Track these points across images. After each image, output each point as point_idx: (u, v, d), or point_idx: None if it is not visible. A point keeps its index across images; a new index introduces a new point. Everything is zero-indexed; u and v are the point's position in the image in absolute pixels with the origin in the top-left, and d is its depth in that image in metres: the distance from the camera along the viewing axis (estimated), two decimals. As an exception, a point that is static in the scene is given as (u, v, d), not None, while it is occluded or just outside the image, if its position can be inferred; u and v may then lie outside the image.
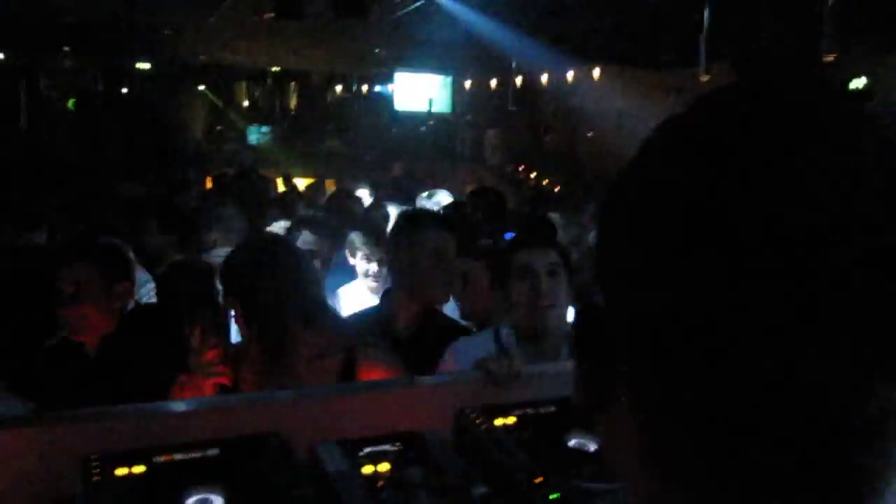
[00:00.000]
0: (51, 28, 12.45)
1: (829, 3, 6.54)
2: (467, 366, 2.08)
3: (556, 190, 14.33)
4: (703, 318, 0.43)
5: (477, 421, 1.53)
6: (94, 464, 1.28)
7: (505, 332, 2.36)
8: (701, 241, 0.43)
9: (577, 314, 0.56)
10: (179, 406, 1.59)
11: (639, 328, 0.47)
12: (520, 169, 16.40)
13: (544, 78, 15.50)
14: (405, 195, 11.63)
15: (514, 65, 14.90)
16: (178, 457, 1.33)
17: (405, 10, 9.89)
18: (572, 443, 1.49)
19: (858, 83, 12.45)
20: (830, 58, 6.83)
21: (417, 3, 9.42)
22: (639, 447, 0.49)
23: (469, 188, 12.55)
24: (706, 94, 0.54)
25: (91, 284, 2.28)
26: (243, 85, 17.59)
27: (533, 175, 15.94)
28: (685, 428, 0.45)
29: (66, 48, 14.26)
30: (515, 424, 1.54)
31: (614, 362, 0.50)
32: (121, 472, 1.27)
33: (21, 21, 11.93)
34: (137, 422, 1.48)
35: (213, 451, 1.36)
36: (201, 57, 15.11)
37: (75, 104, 15.73)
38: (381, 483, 1.32)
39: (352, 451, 1.39)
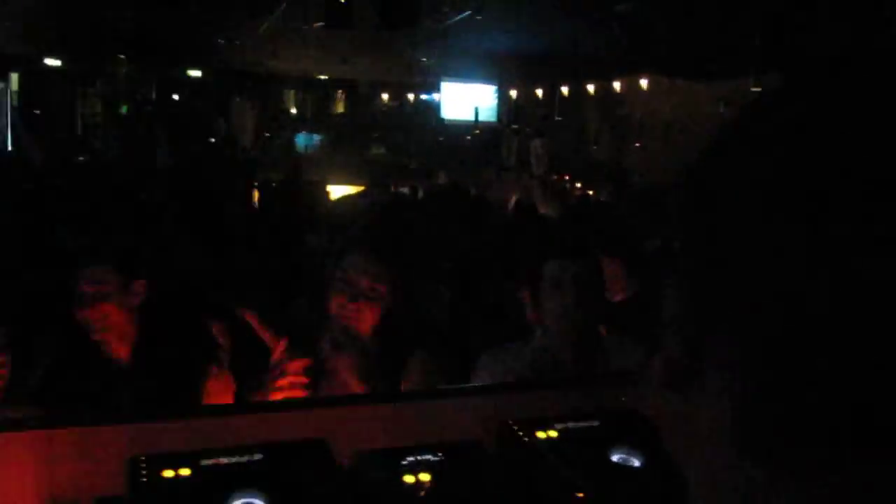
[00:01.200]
0: (106, 35, 12.77)
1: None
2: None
3: (601, 200, 14.22)
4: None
5: (519, 433, 1.53)
6: (142, 465, 1.31)
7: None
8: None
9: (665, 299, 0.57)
10: (224, 409, 1.62)
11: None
12: (565, 178, 16.33)
13: (591, 87, 15.43)
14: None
15: (560, 74, 14.83)
16: (223, 461, 1.35)
17: (452, 20, 9.93)
18: (616, 458, 1.48)
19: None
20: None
21: (464, 14, 9.45)
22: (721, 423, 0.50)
23: (514, 197, 12.57)
24: None
25: (109, 284, 2.31)
26: (291, 93, 17.84)
27: (578, 185, 15.86)
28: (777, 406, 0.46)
29: (122, 56, 14.62)
30: (558, 438, 1.53)
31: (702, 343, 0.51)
32: (167, 474, 1.29)
33: (77, 28, 12.28)
34: (183, 424, 1.51)
35: (258, 456, 1.38)
36: (251, 65, 15.36)
37: (128, 109, 16.13)
38: (422, 493, 1.33)
39: (393, 461, 1.40)
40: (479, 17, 9.30)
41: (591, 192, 15.01)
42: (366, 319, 2.02)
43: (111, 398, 2.05)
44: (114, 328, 2.29)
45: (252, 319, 1.85)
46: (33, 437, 1.41)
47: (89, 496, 1.36)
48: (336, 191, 13.78)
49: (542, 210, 12.05)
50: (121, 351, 2.30)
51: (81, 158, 13.92)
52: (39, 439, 1.40)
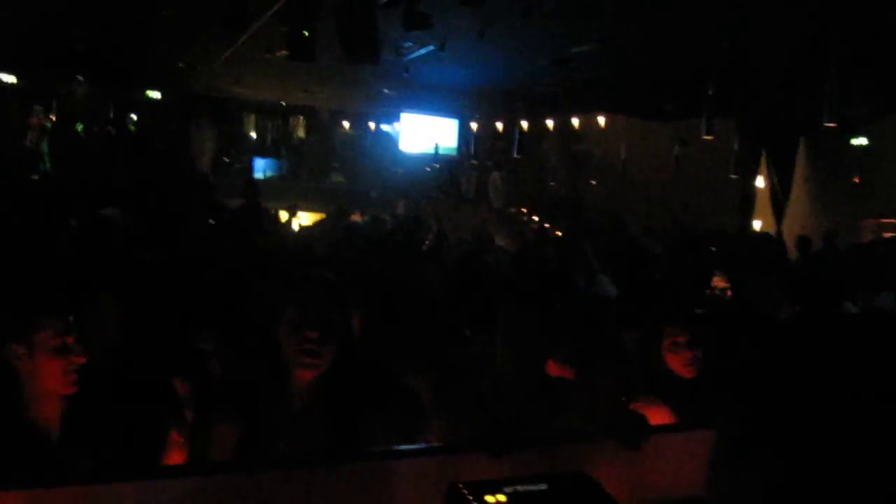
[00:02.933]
0: (65, 55, 12.63)
1: (832, 70, 6.66)
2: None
3: (557, 234, 14.43)
4: None
5: (468, 498, 1.56)
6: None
7: None
8: None
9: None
10: (174, 472, 1.62)
11: None
12: (523, 212, 16.52)
13: (550, 123, 15.68)
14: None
15: (519, 109, 15.07)
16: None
17: (415, 55, 10.05)
18: (561, 524, 1.52)
19: (860, 141, 12.62)
20: (831, 125, 6.94)
21: (428, 49, 9.58)
22: None
23: (471, 229, 12.68)
24: None
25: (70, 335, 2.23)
26: (252, 118, 17.80)
27: (536, 218, 16.05)
28: None
29: (80, 77, 14.45)
30: (507, 502, 1.57)
31: None
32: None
33: (35, 46, 12.12)
34: (124, 486, 1.51)
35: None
36: (212, 90, 15.31)
37: (84, 129, 15.91)
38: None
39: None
40: (442, 53, 9.43)
41: (547, 226, 15.21)
42: (320, 368, 2.01)
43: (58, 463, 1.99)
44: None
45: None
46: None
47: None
48: (296, 218, 13.77)
49: (500, 242, 12.19)
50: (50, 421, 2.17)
51: (34, 177, 13.68)
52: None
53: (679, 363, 2.84)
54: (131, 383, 2.21)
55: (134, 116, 16.66)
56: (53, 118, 15.29)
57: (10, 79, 14.61)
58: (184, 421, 2.12)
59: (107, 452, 1.95)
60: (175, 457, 2.05)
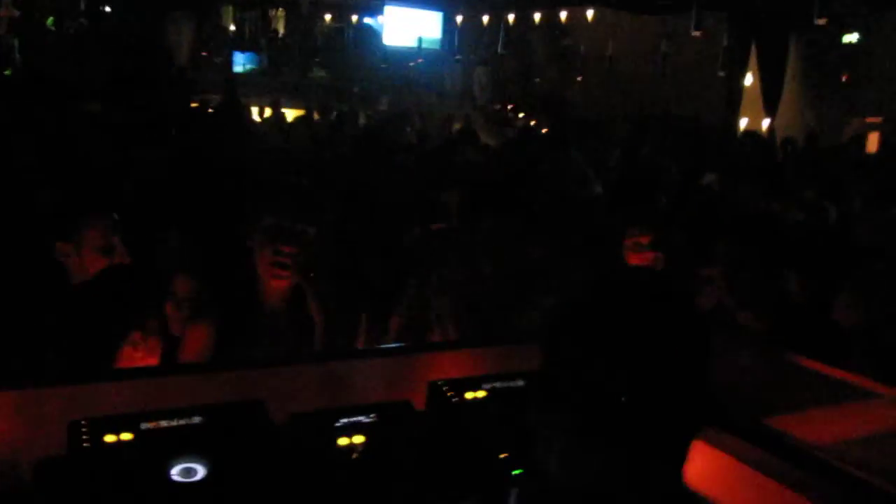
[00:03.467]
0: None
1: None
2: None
3: (543, 131, 14.29)
4: None
5: (448, 394, 1.61)
6: (83, 429, 1.35)
7: None
8: None
9: None
10: (161, 371, 1.66)
11: None
12: (508, 108, 16.31)
13: (537, 16, 15.29)
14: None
15: (506, 2, 14.66)
16: (163, 423, 1.40)
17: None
18: (537, 419, 1.58)
19: (851, 38, 12.42)
20: (822, 21, 6.80)
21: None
22: None
23: (457, 125, 12.54)
24: None
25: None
26: (230, 10, 17.22)
27: (521, 115, 15.86)
28: None
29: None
30: (485, 398, 1.62)
31: None
32: (109, 438, 1.34)
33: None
34: (120, 386, 1.55)
35: (197, 419, 1.43)
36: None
37: (54, 22, 15.36)
38: (355, 455, 1.41)
39: (328, 423, 1.47)
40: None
41: (533, 123, 15.06)
42: (291, 280, 2.03)
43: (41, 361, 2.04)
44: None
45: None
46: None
47: (29, 458, 1.39)
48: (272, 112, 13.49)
49: (484, 139, 12.09)
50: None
51: (6, 73, 13.29)
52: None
53: (641, 263, 2.86)
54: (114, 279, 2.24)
55: (108, 8, 16.06)
56: (18, 11, 14.70)
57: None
58: (148, 321, 2.16)
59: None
60: (139, 356, 2.10)
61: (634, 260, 2.86)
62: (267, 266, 1.99)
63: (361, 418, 1.51)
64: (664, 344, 0.98)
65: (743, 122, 12.46)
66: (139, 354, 1.95)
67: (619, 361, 0.96)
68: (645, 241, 2.87)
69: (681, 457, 1.01)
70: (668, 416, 0.98)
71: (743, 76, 11.85)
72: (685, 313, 1.03)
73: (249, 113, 10.97)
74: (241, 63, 16.70)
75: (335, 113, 12.20)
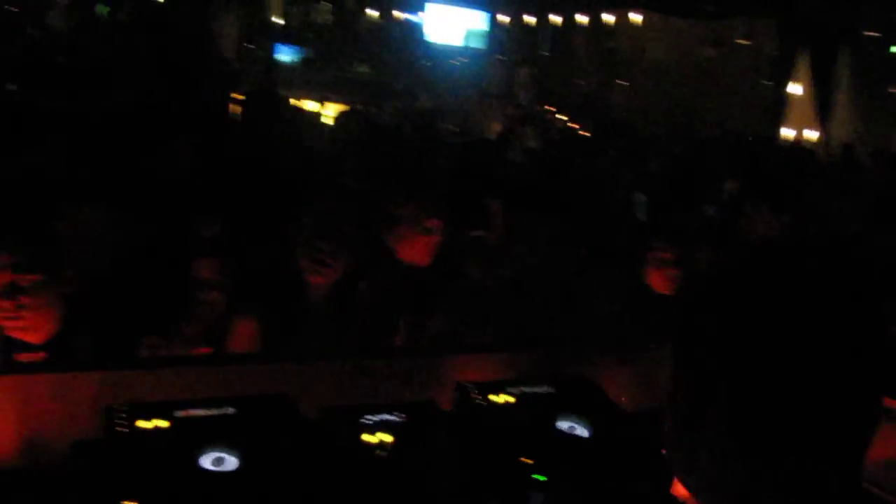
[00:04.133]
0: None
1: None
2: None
3: (583, 134, 14.20)
4: None
5: (474, 396, 1.63)
6: (120, 414, 1.39)
7: None
8: None
9: None
10: (198, 360, 1.70)
11: None
12: (550, 109, 16.24)
13: (582, 18, 15.22)
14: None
15: (551, 3, 14.59)
16: (196, 413, 1.44)
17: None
18: (562, 426, 1.59)
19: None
20: (873, 33, 6.67)
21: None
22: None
23: (496, 125, 12.53)
24: None
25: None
26: (276, 3, 17.40)
27: (563, 117, 15.79)
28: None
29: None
30: (510, 403, 1.64)
31: None
32: (143, 424, 1.38)
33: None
34: (156, 374, 1.59)
35: (229, 410, 1.47)
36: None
37: (109, 12, 15.62)
38: (382, 453, 1.43)
39: (356, 419, 1.50)
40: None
41: (575, 126, 14.99)
42: (329, 278, 2.07)
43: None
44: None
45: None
46: (13, 381, 1.49)
47: (67, 439, 1.44)
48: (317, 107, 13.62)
49: (525, 139, 12.05)
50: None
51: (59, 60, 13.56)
52: (19, 384, 1.48)
53: (659, 280, 2.79)
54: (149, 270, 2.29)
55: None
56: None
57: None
58: (191, 314, 2.20)
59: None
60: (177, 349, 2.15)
61: (655, 276, 2.78)
62: (306, 262, 2.03)
63: (388, 416, 1.53)
64: (837, 321, 0.76)
65: (789, 133, 12.29)
66: (177, 348, 2.00)
67: (782, 345, 0.75)
68: (668, 256, 2.76)
69: (859, 459, 0.80)
70: (846, 411, 0.77)
71: (786, 85, 11.69)
72: (861, 284, 0.78)
73: (287, 104, 11.03)
74: (285, 56, 16.86)
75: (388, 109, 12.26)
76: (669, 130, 11.62)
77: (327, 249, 2.01)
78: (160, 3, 16.17)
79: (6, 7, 14.45)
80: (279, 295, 2.06)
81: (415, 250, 2.37)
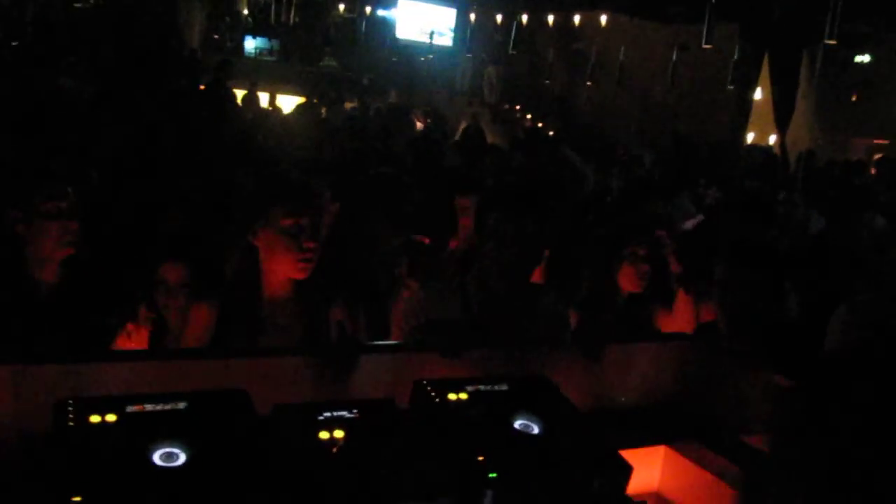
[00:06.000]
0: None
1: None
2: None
3: (550, 134, 14.29)
4: None
5: (432, 394, 1.63)
6: (69, 409, 1.37)
7: None
8: None
9: None
10: (149, 355, 1.68)
11: None
12: (516, 108, 16.31)
13: (551, 19, 15.30)
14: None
15: (520, 3, 14.65)
16: (148, 408, 1.42)
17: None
18: (517, 424, 1.60)
19: (863, 58, 12.41)
20: (832, 42, 6.82)
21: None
22: None
23: (464, 123, 12.54)
24: None
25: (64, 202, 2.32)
26: (244, -7, 17.26)
27: (529, 116, 15.87)
28: None
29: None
30: (467, 401, 1.64)
31: None
32: (94, 419, 1.36)
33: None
34: (108, 367, 1.57)
35: (181, 405, 1.45)
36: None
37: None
38: (335, 450, 1.43)
39: (310, 416, 1.49)
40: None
41: (540, 125, 15.07)
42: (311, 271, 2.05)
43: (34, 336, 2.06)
44: (54, 256, 2.26)
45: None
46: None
47: (17, 434, 1.41)
48: (283, 101, 13.53)
49: (491, 138, 12.08)
50: (51, 286, 2.27)
51: (15, 43, 13.28)
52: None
53: (631, 276, 2.87)
54: (107, 264, 2.26)
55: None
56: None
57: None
58: (141, 310, 2.18)
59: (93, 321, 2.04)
60: (132, 344, 2.12)
61: (627, 271, 2.85)
62: (292, 262, 2.00)
63: (344, 413, 1.53)
64: None
65: (750, 137, 12.47)
66: (132, 343, 1.97)
67: None
68: (642, 252, 2.86)
69: None
70: None
71: (753, 90, 11.86)
72: None
73: (234, 96, 10.92)
74: (252, 48, 16.72)
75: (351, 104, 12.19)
76: (636, 132, 11.74)
77: (313, 247, 1.99)
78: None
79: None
80: (234, 291, 2.04)
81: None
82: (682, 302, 2.84)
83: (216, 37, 16.38)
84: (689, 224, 5.31)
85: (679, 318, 2.85)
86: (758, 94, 12.06)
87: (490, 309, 2.41)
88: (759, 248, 2.69)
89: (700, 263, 2.89)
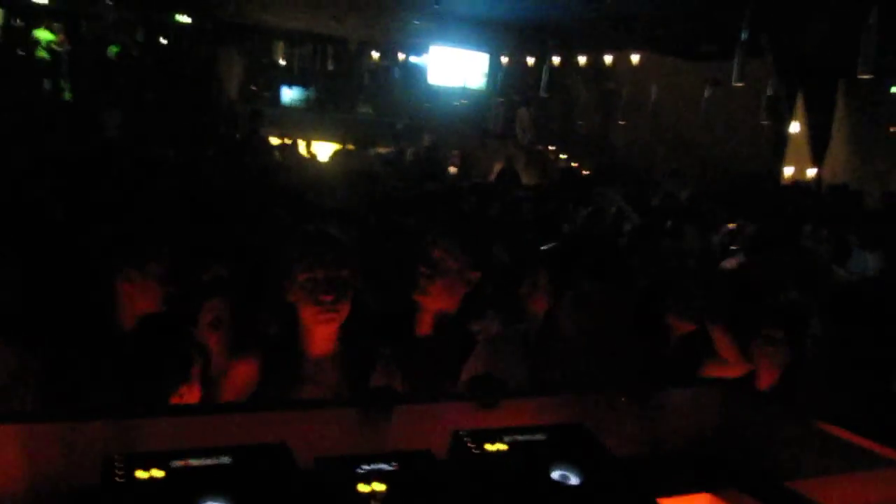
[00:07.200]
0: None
1: (870, 21, 6.47)
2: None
3: (584, 173, 14.31)
4: None
5: (469, 446, 1.64)
6: (118, 465, 1.41)
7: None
8: None
9: None
10: (196, 409, 1.72)
11: None
12: (550, 149, 16.39)
13: (582, 60, 15.41)
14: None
15: (551, 45, 14.79)
16: (192, 462, 1.46)
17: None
18: (556, 475, 1.60)
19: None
20: (867, 76, 6.78)
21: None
22: None
23: (497, 165, 12.63)
24: None
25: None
26: (280, 45, 17.68)
27: (564, 157, 15.93)
28: None
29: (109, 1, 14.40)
30: (505, 452, 1.65)
31: None
32: (141, 475, 1.40)
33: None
34: (155, 423, 1.61)
35: (225, 459, 1.48)
36: (241, 16, 15.19)
37: (118, 53, 15.84)
38: (374, 502, 1.44)
39: (350, 469, 1.51)
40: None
41: (575, 165, 15.11)
42: (339, 321, 2.09)
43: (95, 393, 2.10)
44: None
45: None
46: (15, 430, 1.51)
47: (65, 489, 1.46)
48: (320, 148, 13.76)
49: (526, 179, 12.14)
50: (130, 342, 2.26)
51: (66, 97, 13.77)
52: (20, 433, 1.50)
53: (765, 360, 2.88)
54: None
55: (163, 41, 16.62)
56: (63, 39, 15.08)
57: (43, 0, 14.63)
58: (193, 369, 2.22)
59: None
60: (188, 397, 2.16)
61: (761, 353, 2.87)
62: (312, 315, 2.05)
63: (383, 466, 1.54)
64: None
65: (788, 171, 12.35)
66: (183, 401, 2.02)
67: None
68: (779, 335, 2.88)
69: None
70: None
71: (788, 124, 11.78)
72: None
73: (269, 147, 11.14)
74: (289, 98, 17.10)
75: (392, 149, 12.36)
76: (670, 169, 11.69)
77: (331, 300, 2.04)
78: (167, 44, 16.43)
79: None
80: (275, 348, 2.08)
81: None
82: (731, 347, 2.83)
83: (253, 88, 16.79)
84: (729, 263, 5.27)
85: (731, 365, 2.84)
86: (795, 128, 11.97)
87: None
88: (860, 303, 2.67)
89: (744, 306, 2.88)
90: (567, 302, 2.30)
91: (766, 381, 2.92)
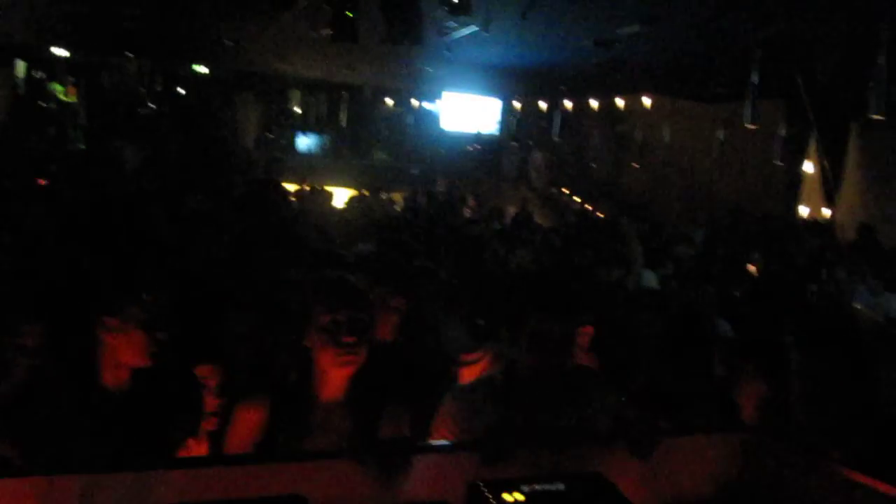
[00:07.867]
0: (113, 30, 12.83)
1: (879, 62, 6.50)
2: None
3: (599, 215, 14.32)
4: None
5: (487, 496, 1.62)
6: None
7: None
8: None
9: None
10: (206, 461, 1.71)
11: None
12: (564, 192, 16.45)
13: (594, 103, 15.53)
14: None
15: (563, 89, 14.94)
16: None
17: (458, 35, 10.02)
18: (576, 524, 1.57)
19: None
20: (879, 116, 6.78)
21: (470, 29, 9.54)
22: None
23: (512, 209, 12.67)
24: None
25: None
26: (296, 94, 17.96)
27: (577, 199, 15.97)
28: None
29: (129, 53, 14.72)
30: (524, 502, 1.62)
31: None
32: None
33: (85, 22, 12.33)
34: (166, 475, 1.60)
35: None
36: (257, 66, 15.47)
37: (138, 102, 16.15)
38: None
39: (367, 521, 1.50)
40: (485, 33, 9.36)
41: (589, 207, 15.13)
42: (358, 364, 2.08)
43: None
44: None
45: None
46: (32, 482, 1.51)
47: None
48: (337, 194, 13.86)
49: (541, 222, 12.16)
50: (122, 394, 2.21)
51: (82, 147, 13.99)
52: (6, 488, 1.49)
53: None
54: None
55: (182, 91, 16.94)
56: (71, 91, 15.39)
57: (64, 53, 14.96)
58: (202, 415, 2.21)
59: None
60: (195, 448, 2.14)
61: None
62: (333, 358, 2.05)
63: (400, 517, 1.53)
64: None
65: (804, 211, 12.29)
66: (191, 453, 2.00)
67: None
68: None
69: None
70: None
71: (801, 164, 11.76)
72: None
73: (285, 193, 11.24)
74: (305, 145, 17.33)
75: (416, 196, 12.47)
76: (684, 210, 11.69)
77: (353, 342, 2.04)
78: (184, 94, 16.73)
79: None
80: (286, 392, 2.07)
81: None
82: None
83: (270, 135, 17.03)
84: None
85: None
86: (810, 168, 11.93)
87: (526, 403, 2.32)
88: (835, 330, 2.63)
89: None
90: (524, 343, 2.26)
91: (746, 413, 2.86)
